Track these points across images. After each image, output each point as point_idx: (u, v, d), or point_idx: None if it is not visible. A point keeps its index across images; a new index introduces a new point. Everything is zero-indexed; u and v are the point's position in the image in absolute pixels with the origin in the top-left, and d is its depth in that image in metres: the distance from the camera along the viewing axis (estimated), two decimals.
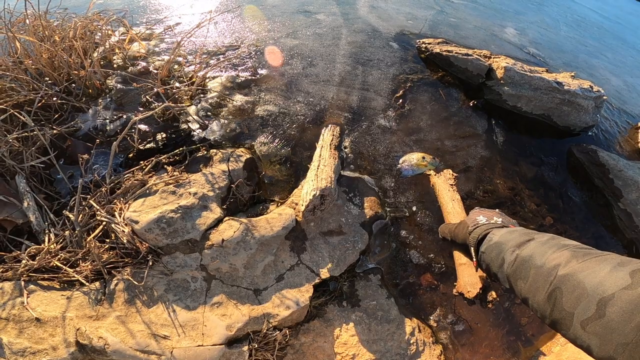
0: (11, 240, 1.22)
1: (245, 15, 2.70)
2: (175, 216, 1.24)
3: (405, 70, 2.20)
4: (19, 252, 1.15)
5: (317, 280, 1.27)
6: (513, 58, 2.34)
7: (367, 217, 1.45)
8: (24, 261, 1.11)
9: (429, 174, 1.58)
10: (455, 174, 1.56)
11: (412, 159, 1.57)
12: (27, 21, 1.78)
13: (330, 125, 1.72)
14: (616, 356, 0.45)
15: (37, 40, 1.65)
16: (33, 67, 1.67)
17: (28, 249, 1.14)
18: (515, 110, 2.09)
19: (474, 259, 0.85)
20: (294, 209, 1.38)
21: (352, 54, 2.27)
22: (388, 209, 1.54)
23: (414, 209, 1.57)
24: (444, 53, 2.23)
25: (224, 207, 1.36)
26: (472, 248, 0.85)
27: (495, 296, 1.09)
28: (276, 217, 1.33)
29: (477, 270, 0.89)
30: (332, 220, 1.40)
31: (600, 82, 2.95)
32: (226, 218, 1.31)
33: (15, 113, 1.38)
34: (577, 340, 0.52)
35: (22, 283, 1.07)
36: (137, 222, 1.20)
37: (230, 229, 1.26)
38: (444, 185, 1.47)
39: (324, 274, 1.29)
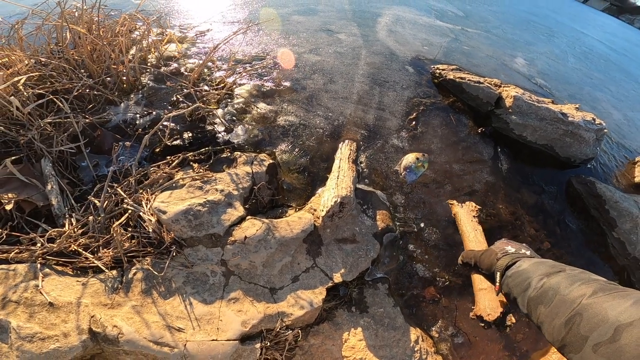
0: (27, 222, 1.21)
1: (272, 28, 2.83)
2: (202, 210, 1.29)
3: (419, 94, 2.33)
4: (35, 234, 1.14)
5: (330, 284, 1.32)
6: (521, 88, 2.45)
7: (379, 228, 1.53)
8: (38, 244, 1.11)
9: (425, 171, 1.63)
10: (478, 207, 1.64)
11: (410, 164, 1.61)
12: (77, 14, 1.85)
13: (347, 141, 1.82)
14: None
15: (86, 32, 1.70)
16: (75, 57, 1.73)
17: (49, 232, 1.13)
18: (521, 140, 2.19)
19: (497, 283, 0.88)
20: (313, 214, 1.47)
21: (370, 74, 2.40)
22: (398, 223, 1.63)
23: (422, 225, 1.66)
24: (457, 79, 2.35)
25: (246, 206, 1.42)
26: (498, 273, 0.88)
27: (513, 321, 1.13)
28: (296, 220, 1.41)
29: (497, 295, 0.93)
30: (347, 229, 1.49)
31: (602, 116, 3.05)
32: (248, 217, 1.37)
33: (54, 99, 1.42)
34: None
35: (38, 266, 1.05)
36: (164, 212, 1.23)
37: (253, 227, 1.32)
38: (467, 215, 1.54)
39: (337, 278, 1.34)
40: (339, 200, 1.39)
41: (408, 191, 1.75)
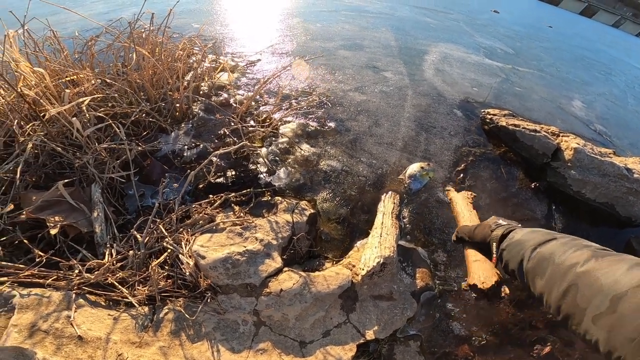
0: (69, 247, 1.21)
1: (319, 62, 2.87)
2: (241, 259, 1.29)
3: (468, 142, 2.25)
4: (75, 261, 1.14)
5: (361, 340, 1.28)
6: (580, 136, 2.31)
7: (418, 287, 1.48)
8: (76, 271, 1.12)
9: (430, 181, 1.67)
10: (474, 194, 1.63)
11: (415, 173, 1.52)
12: (144, 35, 1.91)
13: (390, 193, 1.77)
14: (621, 350, 0.46)
15: (150, 56, 1.72)
16: (137, 80, 1.74)
17: (88, 263, 1.14)
18: (578, 196, 2.04)
19: (494, 254, 0.87)
20: (351, 270, 1.44)
21: (416, 117, 2.36)
22: (438, 282, 1.57)
23: (463, 284, 1.58)
24: (510, 127, 2.24)
25: (284, 257, 1.41)
26: (494, 244, 0.88)
27: (507, 292, 1.09)
28: (333, 276, 1.39)
29: (495, 267, 0.92)
30: (385, 286, 1.44)
31: None
32: (285, 268, 1.37)
33: (113, 124, 1.43)
34: (586, 335, 0.53)
35: (73, 295, 1.06)
36: (204, 257, 1.25)
37: (290, 280, 1.32)
38: (463, 199, 1.53)
39: (370, 335, 1.30)
40: (381, 261, 1.36)
41: (451, 249, 1.67)
